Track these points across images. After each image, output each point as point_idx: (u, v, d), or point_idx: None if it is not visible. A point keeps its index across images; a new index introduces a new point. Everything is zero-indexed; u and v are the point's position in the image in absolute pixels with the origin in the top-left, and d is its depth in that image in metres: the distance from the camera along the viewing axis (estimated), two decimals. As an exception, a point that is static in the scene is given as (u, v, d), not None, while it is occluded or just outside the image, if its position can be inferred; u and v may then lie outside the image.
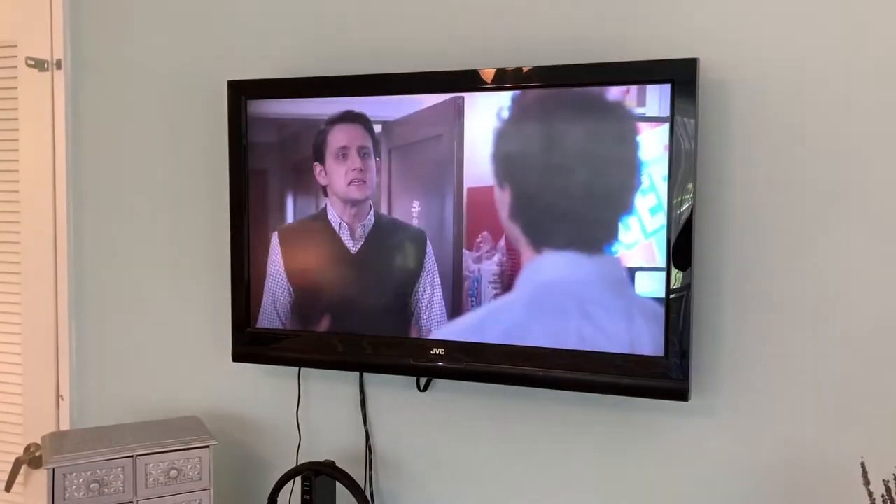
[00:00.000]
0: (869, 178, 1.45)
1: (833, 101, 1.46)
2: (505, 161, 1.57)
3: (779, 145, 1.50)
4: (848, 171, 1.46)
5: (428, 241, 1.64)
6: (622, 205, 1.50)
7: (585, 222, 1.52)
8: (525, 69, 1.56)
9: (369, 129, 1.68)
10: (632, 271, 1.50)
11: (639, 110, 1.48)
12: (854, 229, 1.46)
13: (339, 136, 1.70)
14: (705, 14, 1.53)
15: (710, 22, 1.53)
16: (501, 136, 1.57)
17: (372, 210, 1.69)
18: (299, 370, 1.88)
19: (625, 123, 1.49)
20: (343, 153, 1.70)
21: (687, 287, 1.47)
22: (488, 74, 1.58)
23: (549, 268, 1.54)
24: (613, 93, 1.49)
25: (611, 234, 1.51)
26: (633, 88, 1.48)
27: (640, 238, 1.49)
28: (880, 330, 1.45)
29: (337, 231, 1.71)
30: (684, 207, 1.47)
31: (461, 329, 1.63)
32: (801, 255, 1.50)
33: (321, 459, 1.82)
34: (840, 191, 1.47)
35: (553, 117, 1.53)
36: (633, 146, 1.49)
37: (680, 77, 1.45)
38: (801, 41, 1.48)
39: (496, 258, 1.58)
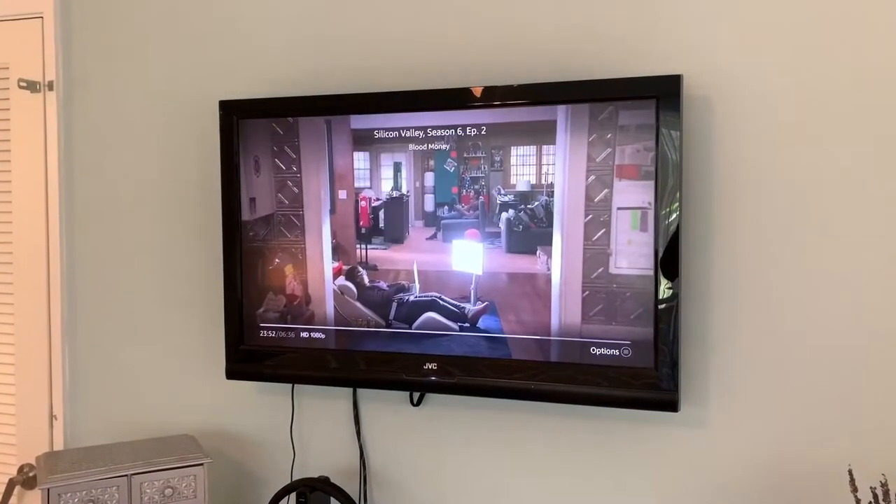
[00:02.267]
0: (851, 188, 1.48)
1: (813, 114, 1.49)
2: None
3: (762, 158, 1.53)
4: (831, 181, 1.49)
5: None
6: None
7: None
8: (512, 86, 1.58)
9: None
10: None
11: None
12: (839, 238, 1.49)
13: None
14: (689, 32, 1.56)
15: (695, 39, 1.56)
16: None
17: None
18: (293, 387, 1.89)
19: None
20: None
21: (675, 297, 1.49)
22: (477, 91, 1.60)
23: None
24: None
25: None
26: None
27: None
28: (868, 337, 1.48)
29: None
30: (671, 219, 1.49)
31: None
32: (787, 264, 1.52)
33: (316, 475, 1.82)
34: (824, 199, 1.49)
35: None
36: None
37: (665, 93, 1.48)
38: (782, 57, 1.51)
39: None
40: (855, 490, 1.34)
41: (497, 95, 1.59)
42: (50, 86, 2.10)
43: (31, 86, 2.10)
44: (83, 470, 1.67)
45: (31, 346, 2.15)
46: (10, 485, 2.08)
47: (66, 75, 2.11)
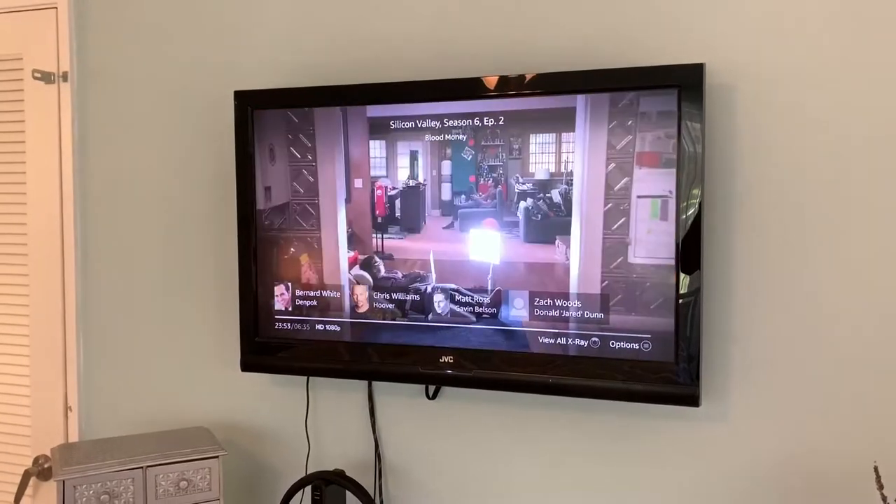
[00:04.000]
0: (875, 180, 1.44)
1: (838, 105, 1.46)
2: None
3: (786, 149, 1.50)
4: (855, 174, 1.46)
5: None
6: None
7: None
8: (530, 75, 1.56)
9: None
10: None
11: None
12: (862, 231, 1.46)
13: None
14: (712, 20, 1.53)
15: (717, 27, 1.53)
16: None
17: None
18: (308, 379, 1.88)
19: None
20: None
21: (696, 291, 1.47)
22: (492, 81, 1.58)
23: None
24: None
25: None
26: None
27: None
28: (892, 331, 1.45)
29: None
30: (691, 211, 1.46)
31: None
32: (810, 257, 1.49)
33: (331, 468, 1.81)
34: (848, 193, 1.46)
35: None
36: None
37: (686, 82, 1.45)
38: (806, 45, 1.47)
39: None
40: (881, 487, 1.31)
41: (515, 85, 1.57)
42: (64, 77, 2.10)
43: (46, 77, 2.10)
44: (98, 462, 1.67)
45: (45, 337, 2.15)
46: (26, 476, 2.09)
47: (81, 66, 2.10)
